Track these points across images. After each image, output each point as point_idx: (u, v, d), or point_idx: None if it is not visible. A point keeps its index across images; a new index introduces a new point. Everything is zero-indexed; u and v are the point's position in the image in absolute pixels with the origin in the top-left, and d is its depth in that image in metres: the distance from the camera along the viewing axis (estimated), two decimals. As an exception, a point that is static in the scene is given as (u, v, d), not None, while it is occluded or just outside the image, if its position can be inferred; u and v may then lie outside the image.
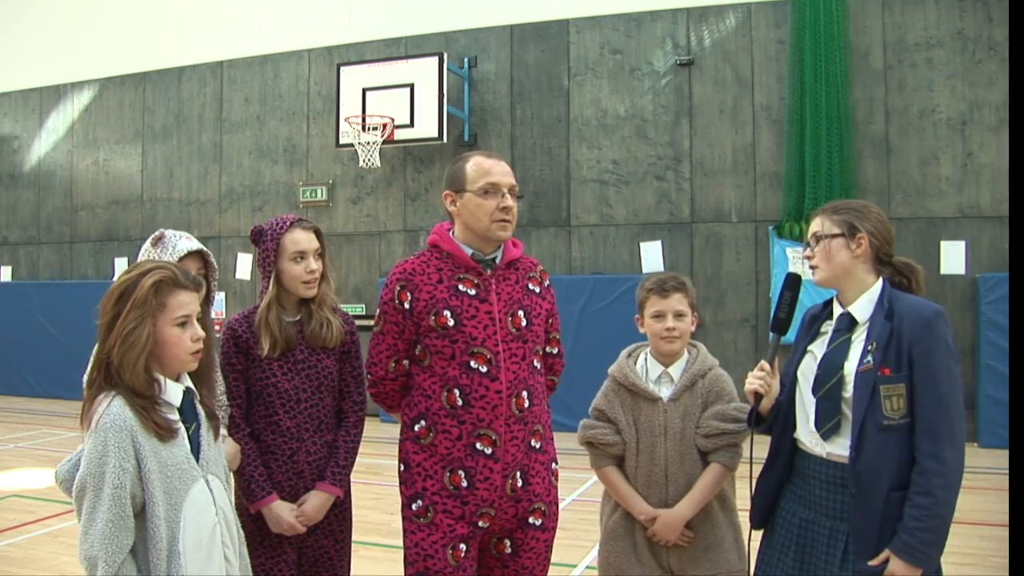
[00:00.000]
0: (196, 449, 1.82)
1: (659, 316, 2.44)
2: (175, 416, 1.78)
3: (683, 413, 2.42)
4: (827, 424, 2.00)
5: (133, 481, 1.67)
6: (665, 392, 2.45)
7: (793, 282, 2.20)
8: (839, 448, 1.99)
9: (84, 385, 1.80)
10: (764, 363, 2.15)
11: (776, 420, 2.16)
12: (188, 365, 1.84)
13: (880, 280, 2.08)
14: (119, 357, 1.72)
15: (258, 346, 2.42)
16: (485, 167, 2.24)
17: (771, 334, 2.20)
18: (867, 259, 2.07)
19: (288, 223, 2.48)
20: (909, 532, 1.87)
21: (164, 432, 1.72)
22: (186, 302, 1.80)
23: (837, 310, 2.11)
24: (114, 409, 1.68)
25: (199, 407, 1.87)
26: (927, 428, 1.90)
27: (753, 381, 2.13)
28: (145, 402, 1.72)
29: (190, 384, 1.87)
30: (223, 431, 2.27)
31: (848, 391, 1.97)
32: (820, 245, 2.08)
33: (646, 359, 2.52)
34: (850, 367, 1.99)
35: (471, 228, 2.24)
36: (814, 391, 2.03)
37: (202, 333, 1.83)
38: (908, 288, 2.09)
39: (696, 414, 2.43)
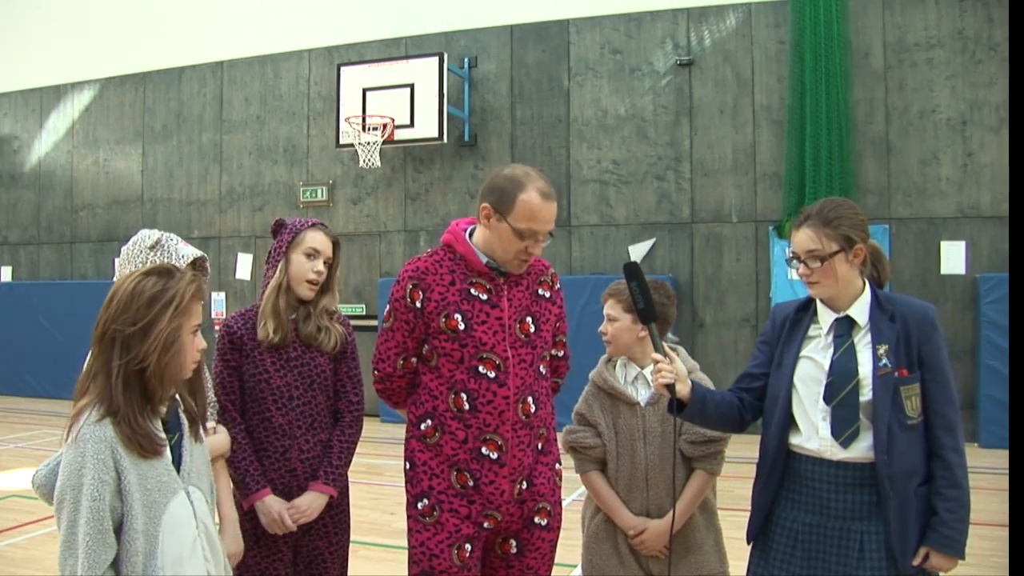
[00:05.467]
0: (178, 460, 1.77)
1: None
2: (160, 430, 1.74)
3: (662, 417, 2.40)
4: (846, 431, 1.98)
5: (112, 494, 1.62)
6: (642, 394, 2.45)
7: (634, 271, 2.12)
8: (856, 452, 1.98)
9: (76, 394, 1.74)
10: (656, 355, 2.06)
11: (768, 430, 2.13)
12: (188, 374, 1.80)
13: (866, 280, 2.08)
14: (161, 366, 1.67)
15: (257, 334, 2.41)
16: (535, 212, 2.12)
17: (650, 325, 2.11)
18: (860, 264, 2.07)
19: (312, 223, 2.53)
20: (947, 525, 1.93)
21: (148, 453, 1.67)
22: (200, 311, 1.78)
23: (826, 313, 2.06)
24: (95, 421, 1.63)
25: (182, 416, 1.83)
26: (945, 424, 1.98)
27: (666, 375, 2.03)
28: (141, 420, 1.67)
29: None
30: (211, 423, 2.23)
31: (866, 395, 1.97)
32: (823, 265, 2.01)
33: (624, 362, 2.51)
34: (864, 371, 1.98)
35: (492, 249, 2.20)
36: (827, 399, 2.00)
37: (205, 344, 1.81)
38: (876, 277, 2.14)
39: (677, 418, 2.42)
